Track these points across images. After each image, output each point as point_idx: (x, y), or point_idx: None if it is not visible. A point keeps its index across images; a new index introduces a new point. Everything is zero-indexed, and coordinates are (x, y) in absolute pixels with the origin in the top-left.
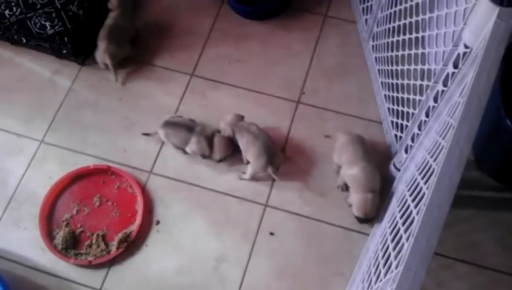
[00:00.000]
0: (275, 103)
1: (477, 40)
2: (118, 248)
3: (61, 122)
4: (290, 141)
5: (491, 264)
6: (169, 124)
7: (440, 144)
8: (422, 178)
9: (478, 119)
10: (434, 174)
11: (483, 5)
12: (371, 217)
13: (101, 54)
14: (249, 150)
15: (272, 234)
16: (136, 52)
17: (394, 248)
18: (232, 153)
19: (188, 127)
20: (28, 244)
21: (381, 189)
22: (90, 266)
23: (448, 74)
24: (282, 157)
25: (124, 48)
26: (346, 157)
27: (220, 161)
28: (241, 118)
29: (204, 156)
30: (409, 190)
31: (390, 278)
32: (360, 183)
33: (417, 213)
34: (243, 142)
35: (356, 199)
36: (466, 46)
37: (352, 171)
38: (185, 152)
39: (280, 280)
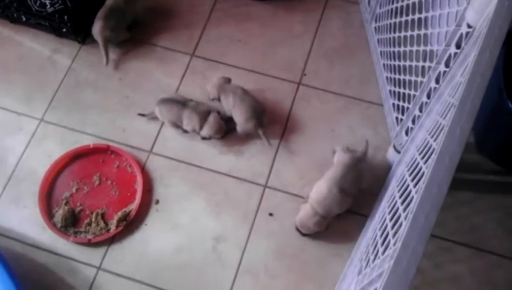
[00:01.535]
0: (275, 84)
1: (480, 19)
2: (117, 227)
3: (61, 101)
4: (291, 123)
5: (490, 247)
6: (163, 101)
7: (441, 124)
8: (422, 158)
9: (480, 97)
10: (434, 152)
11: None
12: (307, 233)
13: (95, 33)
14: (236, 112)
15: (271, 214)
16: (135, 36)
17: (392, 227)
18: (223, 136)
19: (181, 102)
20: (28, 222)
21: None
22: (89, 244)
23: (450, 54)
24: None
25: (120, 32)
26: (329, 172)
27: (205, 138)
28: (227, 80)
29: (205, 139)
30: (408, 170)
31: (388, 255)
32: (317, 200)
33: (416, 192)
34: (228, 104)
35: (304, 210)
36: (469, 26)
37: (321, 185)
38: (183, 130)
39: (278, 260)
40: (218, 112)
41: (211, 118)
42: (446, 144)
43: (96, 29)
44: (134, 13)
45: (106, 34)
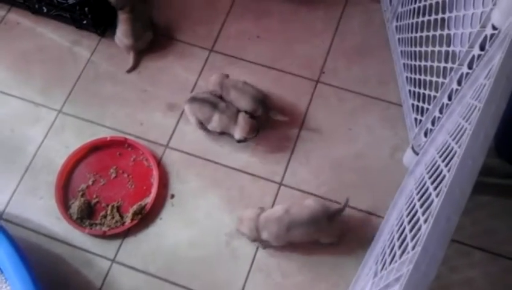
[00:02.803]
0: (294, 81)
1: (506, 21)
2: (132, 220)
3: (80, 93)
4: (308, 121)
5: (506, 252)
6: (194, 100)
7: (463, 126)
8: (443, 160)
9: (505, 100)
10: (457, 155)
11: None
12: (239, 229)
13: (125, 46)
14: (241, 104)
15: None
16: (155, 30)
17: (411, 230)
18: (256, 135)
19: (212, 103)
20: (44, 213)
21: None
22: (104, 236)
23: (474, 56)
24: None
25: (146, 35)
26: (295, 208)
27: (240, 141)
28: (226, 76)
29: (222, 133)
30: (428, 172)
31: (407, 259)
32: (266, 217)
33: (437, 195)
34: (230, 98)
35: (253, 212)
36: (494, 28)
37: (278, 211)
38: (206, 130)
39: (291, 259)
40: (246, 111)
41: (241, 120)
42: (469, 147)
43: (126, 43)
44: (151, 11)
45: (138, 46)
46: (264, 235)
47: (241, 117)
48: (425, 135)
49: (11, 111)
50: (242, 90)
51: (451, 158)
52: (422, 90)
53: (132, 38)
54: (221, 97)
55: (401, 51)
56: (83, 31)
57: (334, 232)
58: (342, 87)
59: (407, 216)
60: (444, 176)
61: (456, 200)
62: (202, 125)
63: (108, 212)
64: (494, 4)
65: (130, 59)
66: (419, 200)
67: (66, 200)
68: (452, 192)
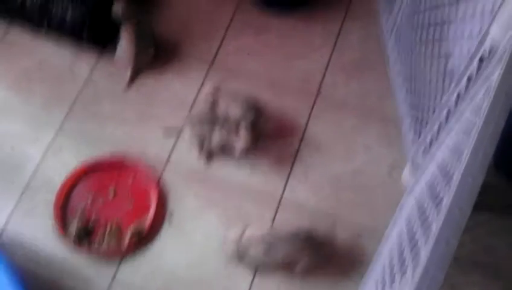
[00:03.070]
0: (293, 96)
1: (505, 36)
2: (130, 240)
3: (79, 111)
4: (306, 137)
5: (505, 270)
6: (193, 120)
7: (462, 143)
8: (443, 179)
9: (504, 117)
10: (456, 174)
11: None
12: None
13: (129, 66)
14: (232, 107)
15: None
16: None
17: (411, 251)
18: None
19: (211, 119)
20: (42, 233)
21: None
22: (103, 256)
23: (472, 71)
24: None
25: (149, 53)
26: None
27: (243, 150)
28: (217, 88)
29: (223, 150)
30: (427, 191)
31: (408, 282)
32: (248, 236)
33: (437, 214)
34: (222, 106)
35: (240, 229)
36: (493, 43)
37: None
38: (208, 156)
39: (289, 283)
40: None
41: (242, 130)
42: (469, 165)
43: (127, 57)
44: (154, 26)
45: (138, 62)
46: (248, 255)
47: (242, 132)
48: (424, 151)
49: (9, 130)
50: (233, 98)
51: (451, 177)
52: (420, 107)
53: (134, 53)
54: (214, 106)
55: (400, 67)
56: (83, 49)
57: (312, 257)
58: (341, 103)
59: (407, 236)
60: (443, 196)
61: (455, 221)
62: (202, 146)
63: (107, 231)
64: (493, 19)
65: (127, 74)
66: (418, 219)
67: (65, 220)
68: (451, 212)
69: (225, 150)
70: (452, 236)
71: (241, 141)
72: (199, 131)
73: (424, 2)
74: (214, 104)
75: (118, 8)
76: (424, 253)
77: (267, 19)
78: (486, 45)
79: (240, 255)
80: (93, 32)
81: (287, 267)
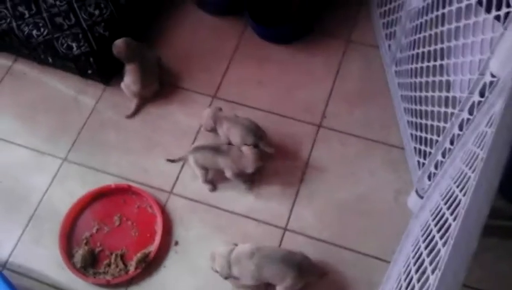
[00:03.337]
0: (296, 125)
1: (505, 69)
2: (136, 268)
3: (84, 141)
4: (311, 165)
5: None
6: (197, 150)
7: (466, 174)
8: (448, 208)
9: (507, 151)
10: (461, 206)
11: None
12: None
13: (133, 94)
14: (232, 134)
15: None
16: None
17: (418, 280)
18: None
19: (214, 148)
20: (48, 262)
21: None
22: (108, 285)
23: (474, 102)
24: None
25: (155, 84)
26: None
27: (253, 174)
28: (219, 109)
29: (244, 178)
30: (433, 219)
31: None
32: (236, 255)
33: (443, 245)
34: (223, 130)
35: (229, 247)
36: (493, 76)
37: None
38: (212, 184)
39: None
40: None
41: (247, 152)
42: (474, 199)
43: (134, 90)
44: (159, 60)
45: (144, 94)
46: (235, 272)
47: (245, 149)
48: (429, 178)
49: (16, 159)
50: (234, 121)
51: (456, 206)
52: (424, 134)
53: (140, 85)
54: (214, 130)
55: (402, 95)
56: (88, 80)
57: (297, 285)
58: (344, 131)
59: (414, 265)
60: (450, 225)
61: (462, 254)
62: (209, 181)
63: (112, 260)
64: (492, 52)
65: (132, 105)
66: (425, 248)
67: (70, 249)
68: (458, 245)
69: (231, 176)
70: (459, 267)
71: (249, 163)
72: (203, 160)
73: (423, 34)
74: (214, 129)
75: (117, 51)
76: (432, 283)
77: (270, 50)
78: (487, 78)
79: (227, 272)
80: (98, 68)
81: (271, 287)
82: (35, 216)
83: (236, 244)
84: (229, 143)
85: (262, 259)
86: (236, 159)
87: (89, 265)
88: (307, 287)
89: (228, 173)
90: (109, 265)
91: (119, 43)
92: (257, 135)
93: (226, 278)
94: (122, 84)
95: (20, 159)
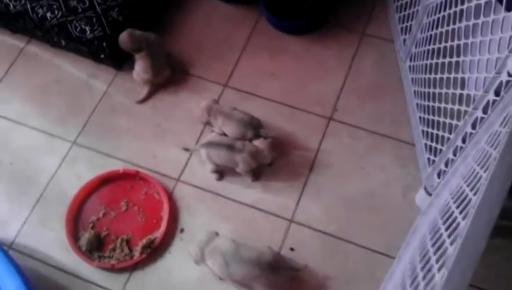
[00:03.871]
0: (306, 118)
1: None
2: (141, 254)
3: (94, 125)
4: (320, 158)
5: None
6: (211, 145)
7: (478, 173)
8: (458, 207)
9: None
10: (472, 205)
11: None
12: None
13: (144, 81)
14: (227, 128)
15: (292, 249)
16: (170, 65)
17: (424, 277)
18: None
19: (228, 145)
20: (54, 244)
21: None
22: (113, 269)
23: (488, 101)
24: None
25: (165, 71)
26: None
27: (270, 164)
28: (215, 101)
29: (253, 173)
30: (442, 218)
31: None
32: (224, 253)
33: (451, 243)
34: (218, 123)
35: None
36: (510, 75)
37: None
38: (220, 177)
39: None
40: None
41: (261, 145)
42: (485, 199)
43: (144, 78)
44: (168, 48)
45: (156, 81)
46: (209, 264)
47: (259, 143)
48: (439, 176)
49: (27, 142)
50: (229, 115)
51: (466, 205)
52: (435, 131)
53: (152, 73)
54: (209, 123)
55: (415, 91)
56: (100, 65)
57: (268, 282)
58: (355, 125)
59: (420, 262)
60: (458, 224)
61: (470, 254)
62: (217, 171)
63: (118, 245)
64: (510, 51)
65: (143, 91)
66: (432, 246)
67: (76, 232)
68: (467, 245)
69: (245, 172)
70: (467, 267)
71: (265, 156)
72: (217, 157)
73: (440, 29)
74: (208, 122)
75: (122, 44)
76: (438, 282)
77: (283, 41)
78: (503, 77)
79: (199, 260)
80: (111, 53)
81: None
82: (43, 198)
83: (217, 233)
84: (224, 134)
85: (233, 260)
86: (254, 155)
87: (95, 249)
88: (304, 284)
89: (243, 169)
90: (114, 249)
91: (122, 36)
92: (254, 125)
93: (197, 263)
94: (134, 73)
95: (31, 141)
